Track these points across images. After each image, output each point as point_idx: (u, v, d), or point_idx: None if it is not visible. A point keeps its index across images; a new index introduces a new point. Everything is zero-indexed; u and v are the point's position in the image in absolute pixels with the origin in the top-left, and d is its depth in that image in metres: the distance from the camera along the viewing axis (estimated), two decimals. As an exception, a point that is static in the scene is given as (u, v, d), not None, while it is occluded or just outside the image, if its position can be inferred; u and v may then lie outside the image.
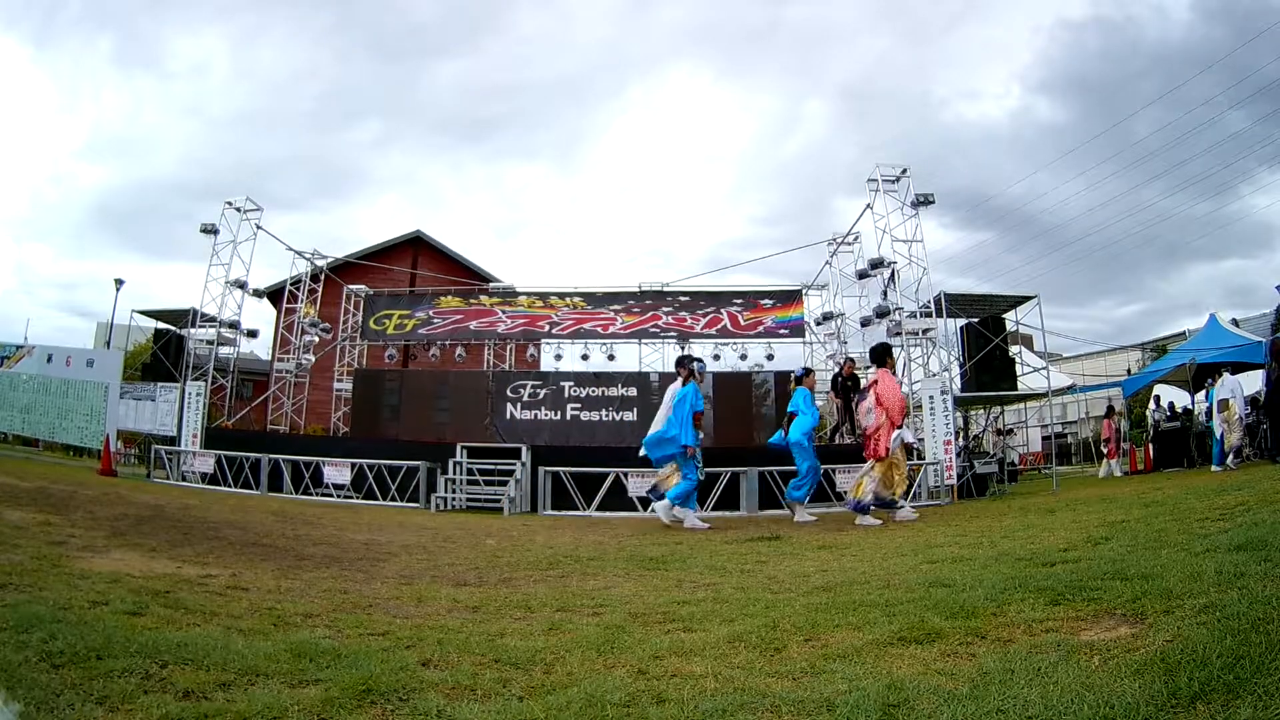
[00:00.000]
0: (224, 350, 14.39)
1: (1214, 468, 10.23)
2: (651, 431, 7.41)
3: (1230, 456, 10.09)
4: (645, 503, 9.74)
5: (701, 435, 7.54)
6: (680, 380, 7.41)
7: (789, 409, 7.72)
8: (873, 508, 6.81)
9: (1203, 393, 12.02)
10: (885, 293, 12.73)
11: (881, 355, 7.48)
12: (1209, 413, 10.58)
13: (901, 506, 7.08)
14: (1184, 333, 23.90)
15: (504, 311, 15.45)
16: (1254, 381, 11.85)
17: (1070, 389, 17.65)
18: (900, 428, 6.92)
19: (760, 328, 14.99)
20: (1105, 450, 14.23)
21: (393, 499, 10.46)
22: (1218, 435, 10.47)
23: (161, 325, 14.24)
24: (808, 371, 8.17)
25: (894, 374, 7.53)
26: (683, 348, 15.52)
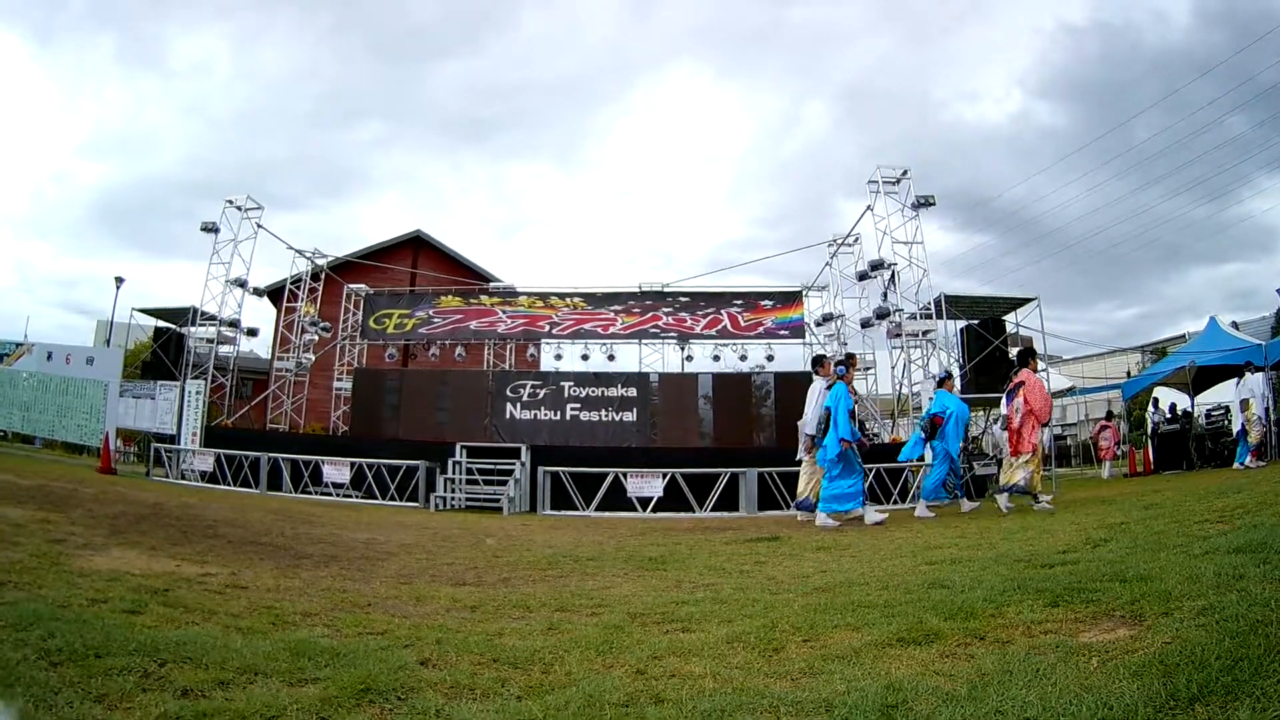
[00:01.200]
0: (224, 349, 14.42)
1: (1236, 464, 10.61)
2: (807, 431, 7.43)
3: (1250, 456, 10.31)
4: (646, 503, 9.76)
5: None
6: (825, 380, 7.45)
7: (931, 413, 8.00)
8: (1013, 493, 7.10)
9: (1232, 385, 12.10)
10: (885, 294, 12.76)
11: (1025, 357, 7.72)
12: (1244, 404, 10.76)
13: (1042, 498, 7.17)
14: (1184, 335, 23.91)
15: (504, 311, 15.46)
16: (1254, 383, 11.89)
17: (1070, 391, 17.68)
18: (1045, 425, 7.18)
19: (760, 329, 15.00)
20: (1115, 452, 14.34)
21: (392, 498, 10.46)
22: (1236, 432, 10.77)
23: (161, 323, 14.26)
24: (949, 375, 8.47)
25: (1037, 374, 7.70)
26: (682, 348, 15.54)
